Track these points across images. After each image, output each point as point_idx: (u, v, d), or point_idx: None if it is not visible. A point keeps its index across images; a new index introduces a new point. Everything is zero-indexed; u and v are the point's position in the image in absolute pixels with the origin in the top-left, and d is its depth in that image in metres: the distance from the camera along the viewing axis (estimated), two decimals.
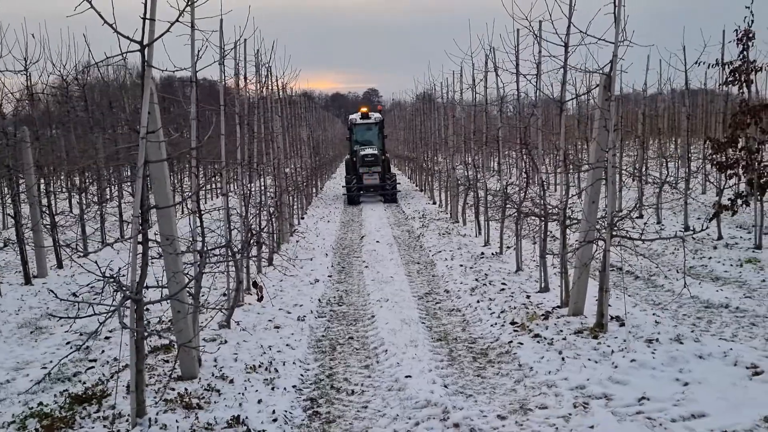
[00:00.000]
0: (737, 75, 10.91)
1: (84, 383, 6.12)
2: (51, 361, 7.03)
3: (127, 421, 5.05)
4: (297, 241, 14.11)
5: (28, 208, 11.26)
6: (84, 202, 13.75)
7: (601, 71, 6.44)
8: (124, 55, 4.79)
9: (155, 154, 5.03)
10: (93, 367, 6.75)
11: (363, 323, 8.11)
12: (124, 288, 4.69)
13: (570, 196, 8.10)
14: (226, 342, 7.03)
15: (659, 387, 5.27)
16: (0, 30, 9.62)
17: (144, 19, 4.61)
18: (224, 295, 8.48)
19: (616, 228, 6.42)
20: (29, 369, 6.86)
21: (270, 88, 11.84)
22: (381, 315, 8.24)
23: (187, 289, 5.82)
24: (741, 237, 11.90)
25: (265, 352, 6.70)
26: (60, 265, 11.90)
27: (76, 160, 14.32)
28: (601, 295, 6.61)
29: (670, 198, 14.61)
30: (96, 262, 5.35)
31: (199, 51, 6.59)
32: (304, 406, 5.51)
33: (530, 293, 8.57)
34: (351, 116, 25.52)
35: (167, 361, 6.50)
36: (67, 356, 5.92)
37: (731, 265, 9.84)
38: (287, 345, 7.05)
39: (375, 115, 24.97)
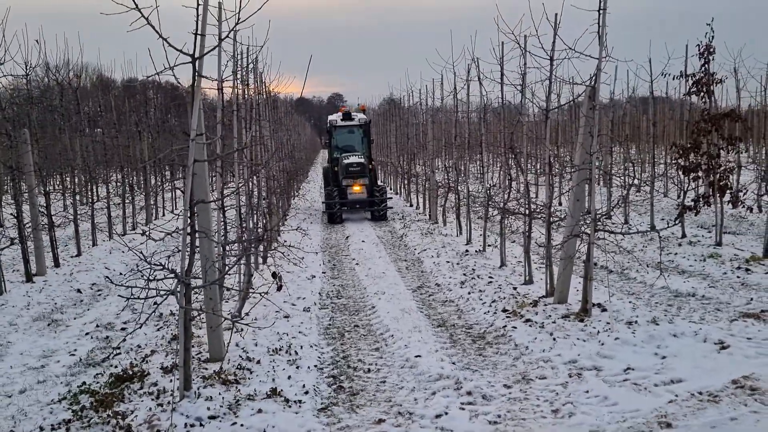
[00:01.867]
0: (699, 86, 11.86)
1: (116, 366, 6.63)
2: (75, 349, 7.51)
3: (171, 395, 5.60)
4: (285, 241, 14.63)
5: (28, 208, 11.61)
6: (87, 201, 14.07)
7: (586, 84, 7.22)
8: (173, 66, 5.35)
9: (200, 155, 5.60)
10: (119, 353, 7.24)
11: (365, 313, 8.74)
12: (175, 273, 5.24)
13: (554, 197, 8.86)
14: (242, 329, 7.59)
15: (641, 360, 6.04)
16: (3, 41, 9.96)
17: (195, 34, 5.21)
18: (228, 289, 9.01)
19: (599, 223, 7.20)
20: (57, 356, 7.31)
21: (264, 93, 12.38)
22: (381, 306, 8.89)
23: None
24: (702, 235, 12.89)
25: (281, 338, 7.28)
26: (57, 264, 12.22)
27: (71, 161, 14.65)
28: (585, 283, 7.38)
29: (636, 199, 15.57)
30: (141, 252, 5.87)
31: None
32: (328, 382, 6.13)
33: (516, 285, 9.32)
34: (330, 117, 21.26)
35: (193, 345, 7.04)
36: (124, 339, 6.43)
37: (695, 260, 10.75)
38: (300, 332, 7.64)
39: (359, 116, 20.72)
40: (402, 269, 11.71)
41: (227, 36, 5.25)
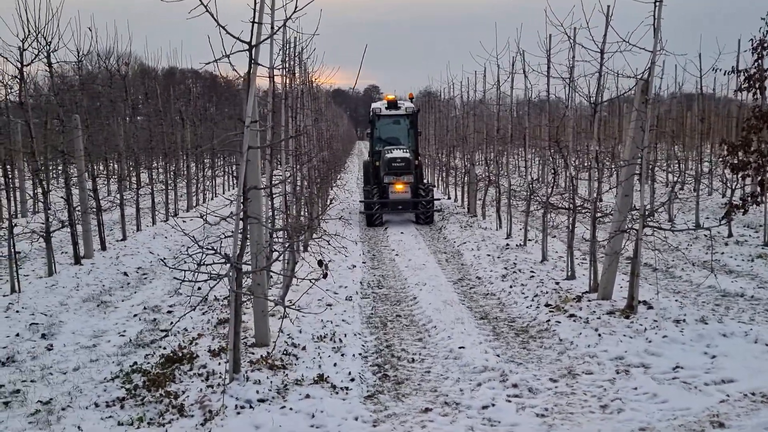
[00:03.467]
0: (752, 82, 11.58)
1: (164, 348, 6.78)
2: (125, 330, 7.71)
3: (220, 377, 5.71)
4: (325, 230, 14.76)
5: (77, 192, 11.91)
6: (131, 186, 14.38)
7: (639, 77, 7.12)
8: (228, 54, 5.43)
9: (254, 142, 5.68)
10: (167, 335, 7.40)
11: (406, 303, 8.78)
12: (228, 258, 5.33)
13: (602, 192, 8.76)
14: (287, 316, 7.69)
15: (690, 358, 5.95)
16: (58, 29, 10.24)
17: (253, 23, 5.27)
18: (275, 274, 9.12)
19: (649, 219, 7.10)
20: (107, 336, 7.51)
21: (307, 83, 12.47)
22: (422, 297, 8.91)
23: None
24: (749, 235, 12.61)
25: (325, 326, 7.36)
26: (104, 248, 12.51)
27: (117, 147, 14.99)
28: (632, 279, 7.29)
29: (682, 197, 15.28)
30: (193, 236, 5.98)
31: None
32: (373, 370, 6.18)
33: (558, 280, 9.25)
34: (374, 105, 18.98)
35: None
36: (176, 321, 6.56)
37: (743, 260, 10.53)
38: (343, 320, 7.71)
39: (406, 104, 18.46)
40: (442, 261, 11.71)
41: (284, 24, 5.30)
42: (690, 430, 4.59)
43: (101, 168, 19.67)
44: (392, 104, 18.09)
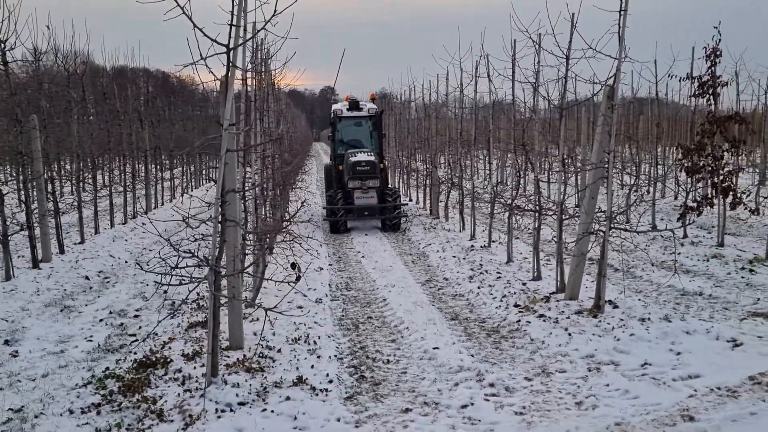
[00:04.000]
0: (705, 88, 12.02)
1: (135, 353, 6.68)
2: (92, 335, 7.56)
3: (197, 381, 5.67)
4: (290, 232, 14.68)
5: (35, 194, 11.60)
6: (89, 188, 14.08)
7: (604, 83, 7.33)
8: (205, 57, 5.39)
9: (231, 145, 5.65)
10: (136, 340, 7.29)
11: (377, 305, 8.83)
12: (207, 261, 5.29)
13: (566, 195, 8.98)
14: (258, 319, 7.65)
15: (657, 355, 6.17)
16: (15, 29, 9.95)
17: (230, 25, 5.25)
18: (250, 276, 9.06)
19: (614, 221, 7.31)
20: (74, 342, 7.36)
21: (271, 84, 12.40)
22: (392, 298, 8.98)
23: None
24: (703, 236, 13.06)
25: (298, 328, 7.35)
26: (62, 251, 12.19)
27: (78, 148, 14.64)
28: (599, 279, 7.50)
29: (638, 200, 15.72)
30: (168, 239, 5.90)
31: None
32: (350, 372, 6.22)
33: (525, 281, 9.43)
34: (335, 107, 18.14)
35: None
36: (160, 322, 6.41)
37: (699, 260, 10.92)
38: (315, 323, 7.71)
39: (369, 106, 17.73)
40: (408, 263, 11.80)
41: (263, 27, 5.30)
42: (662, 425, 4.76)
43: (58, 169, 19.21)
44: (354, 105, 17.43)
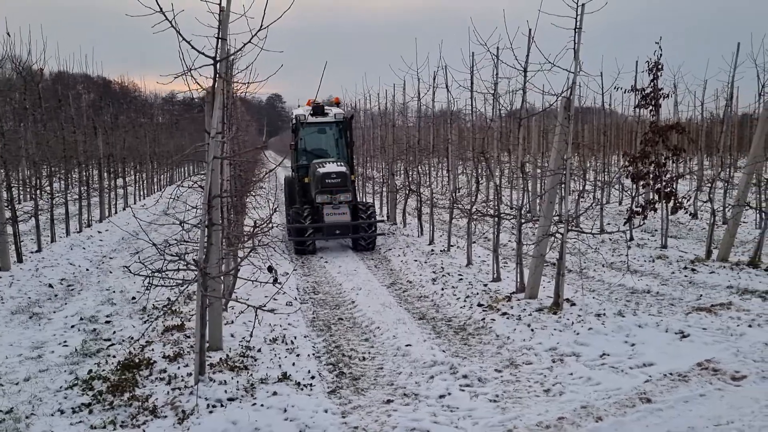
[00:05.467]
0: (648, 99, 12.81)
1: (113, 356, 6.81)
2: (66, 341, 7.61)
3: (182, 380, 5.86)
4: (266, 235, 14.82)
5: None
6: (46, 195, 13.95)
7: (560, 95, 7.86)
8: (189, 69, 5.62)
9: (216, 152, 5.89)
10: (113, 344, 7.40)
11: (346, 307, 9.13)
12: (196, 263, 5.52)
13: (526, 199, 9.48)
14: (233, 322, 7.86)
15: (614, 347, 6.67)
16: None
17: (217, 38, 5.53)
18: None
19: (572, 224, 7.83)
20: (49, 347, 7.39)
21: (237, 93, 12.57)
22: (360, 300, 9.30)
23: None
24: (648, 239, 13.85)
25: (273, 329, 7.60)
26: (20, 259, 12.05)
27: (31, 156, 14.44)
28: (558, 279, 7.99)
29: (594, 204, 16.49)
30: (155, 244, 6.09)
31: None
32: (329, 369, 6.51)
33: (485, 282, 9.89)
34: (296, 111, 16.08)
35: (188, 336, 7.28)
36: (153, 321, 6.54)
37: (645, 261, 11.61)
38: (289, 324, 7.96)
39: (335, 111, 15.71)
40: (371, 267, 12.13)
41: (250, 41, 5.55)
42: (624, 406, 5.22)
43: (16, 176, 18.82)
44: (318, 110, 15.29)
